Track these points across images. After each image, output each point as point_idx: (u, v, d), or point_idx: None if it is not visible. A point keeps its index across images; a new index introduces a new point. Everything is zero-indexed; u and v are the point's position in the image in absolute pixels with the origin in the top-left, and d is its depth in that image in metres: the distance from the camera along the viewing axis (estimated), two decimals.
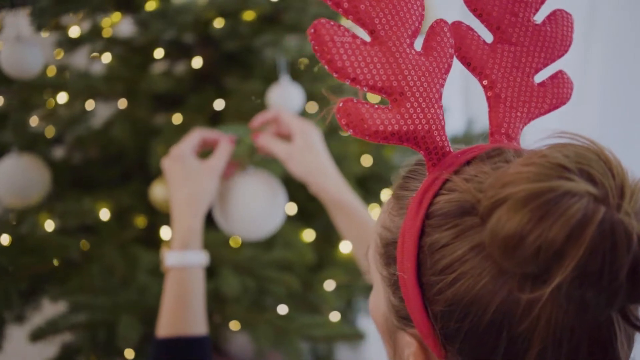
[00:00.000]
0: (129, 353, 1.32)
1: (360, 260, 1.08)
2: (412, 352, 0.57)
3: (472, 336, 0.51)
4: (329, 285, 1.43)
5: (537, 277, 0.47)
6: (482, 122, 1.79)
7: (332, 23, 0.52)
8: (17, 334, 1.44)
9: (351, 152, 1.52)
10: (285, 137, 1.11)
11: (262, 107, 1.48)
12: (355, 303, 1.60)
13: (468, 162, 0.55)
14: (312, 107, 1.57)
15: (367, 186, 1.58)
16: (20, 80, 1.40)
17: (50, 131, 1.60)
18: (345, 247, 1.48)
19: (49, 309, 1.47)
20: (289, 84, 1.38)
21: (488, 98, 0.59)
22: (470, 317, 0.50)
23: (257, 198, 1.11)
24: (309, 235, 1.47)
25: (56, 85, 1.44)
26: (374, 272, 0.63)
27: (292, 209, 1.49)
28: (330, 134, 1.50)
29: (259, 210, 1.11)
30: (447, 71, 0.56)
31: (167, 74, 1.61)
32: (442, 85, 0.56)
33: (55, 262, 1.39)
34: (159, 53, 1.47)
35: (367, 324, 1.64)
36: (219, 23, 1.40)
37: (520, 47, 0.60)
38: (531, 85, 0.60)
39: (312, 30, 0.51)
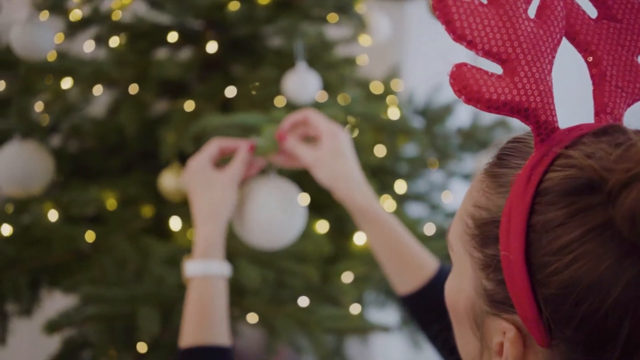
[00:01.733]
0: (142, 347, 1.27)
1: (387, 268, 1.04)
2: (510, 339, 0.54)
3: (589, 322, 0.48)
4: (347, 277, 1.39)
5: None
6: (488, 115, 1.78)
7: None
8: (19, 329, 1.39)
9: (365, 143, 1.48)
10: (312, 138, 1.08)
11: (276, 94, 1.45)
12: (366, 296, 1.57)
13: (578, 139, 0.52)
14: (322, 96, 1.54)
15: (379, 178, 1.55)
16: (25, 64, 1.36)
17: (50, 118, 1.55)
18: (359, 239, 1.45)
19: (50, 303, 1.42)
20: (306, 71, 1.35)
21: (592, 76, 0.56)
22: (589, 300, 0.48)
23: (276, 208, 1.07)
24: (322, 226, 1.43)
25: (62, 70, 1.39)
26: (461, 255, 0.60)
27: (304, 199, 1.45)
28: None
29: (277, 220, 1.07)
30: (559, 43, 0.54)
31: (174, 60, 1.56)
32: (554, 57, 0.53)
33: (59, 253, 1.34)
34: (172, 37, 1.43)
35: (377, 317, 1.61)
36: (233, 6, 1.36)
37: (626, 25, 0.57)
38: (636, 66, 0.58)
39: None
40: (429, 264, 1.01)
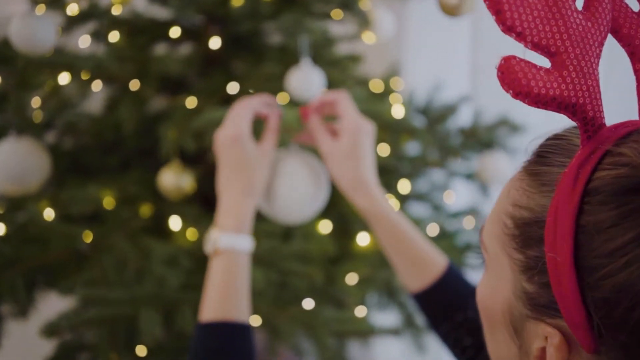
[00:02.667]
0: (141, 350, 1.24)
1: (396, 266, 1.03)
2: (554, 344, 0.52)
3: None
4: (351, 278, 1.37)
5: None
6: (490, 114, 1.76)
7: None
8: (11, 330, 1.36)
9: None
10: (333, 116, 1.07)
11: (278, 91, 1.42)
12: (368, 297, 1.54)
13: (626, 137, 0.50)
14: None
15: (383, 177, 1.53)
16: (23, 59, 1.32)
17: (45, 114, 1.51)
18: (362, 239, 1.42)
19: (44, 304, 1.39)
20: (311, 67, 1.32)
21: (636, 71, 0.54)
22: None
23: (303, 182, 1.06)
24: (325, 226, 1.41)
25: (61, 65, 1.35)
26: (497, 257, 0.57)
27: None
28: None
29: (305, 194, 1.07)
30: (605, 37, 0.51)
31: (175, 56, 1.53)
32: (601, 52, 0.51)
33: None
34: (174, 32, 1.40)
35: (379, 319, 1.59)
36: (237, 2, 1.34)
37: None
38: None
39: None
40: (438, 262, 0.99)
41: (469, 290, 0.97)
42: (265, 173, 1.01)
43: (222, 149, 1.00)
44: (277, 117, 1.05)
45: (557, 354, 0.52)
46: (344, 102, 1.04)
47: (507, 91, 0.47)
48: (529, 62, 0.47)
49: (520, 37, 0.47)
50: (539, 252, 0.52)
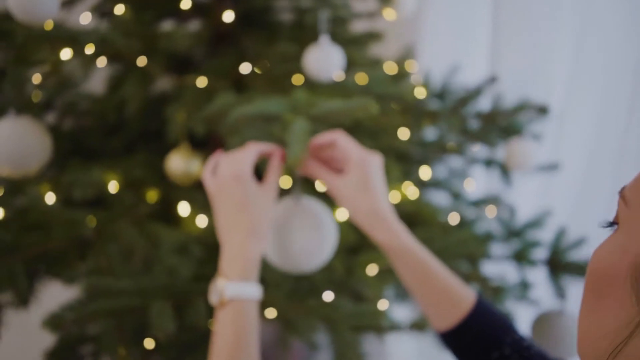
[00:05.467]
0: (149, 343, 1.17)
1: (420, 303, 0.96)
2: None
3: None
4: (370, 269, 1.29)
5: None
6: (510, 97, 1.68)
7: None
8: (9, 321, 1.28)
9: (390, 125, 1.38)
10: (337, 161, 0.99)
11: (293, 71, 1.34)
12: (387, 290, 1.47)
13: None
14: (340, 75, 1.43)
15: (402, 163, 1.45)
16: (23, 33, 1.24)
17: (45, 92, 1.43)
18: None
19: (45, 294, 1.31)
20: (330, 46, 1.23)
21: None
22: None
23: (309, 233, 0.97)
24: (342, 214, 1.33)
25: (63, 40, 1.26)
26: None
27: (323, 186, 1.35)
28: None
29: (311, 246, 0.97)
30: None
31: (182, 32, 1.44)
32: None
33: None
34: (186, 4, 1.31)
35: (395, 313, 1.52)
36: None
37: None
38: None
39: None
40: (466, 296, 0.92)
41: (503, 324, 0.90)
42: (269, 214, 0.93)
43: (220, 190, 0.93)
44: (279, 157, 0.97)
45: None
46: (343, 141, 0.96)
47: None
48: None
49: None
50: None
